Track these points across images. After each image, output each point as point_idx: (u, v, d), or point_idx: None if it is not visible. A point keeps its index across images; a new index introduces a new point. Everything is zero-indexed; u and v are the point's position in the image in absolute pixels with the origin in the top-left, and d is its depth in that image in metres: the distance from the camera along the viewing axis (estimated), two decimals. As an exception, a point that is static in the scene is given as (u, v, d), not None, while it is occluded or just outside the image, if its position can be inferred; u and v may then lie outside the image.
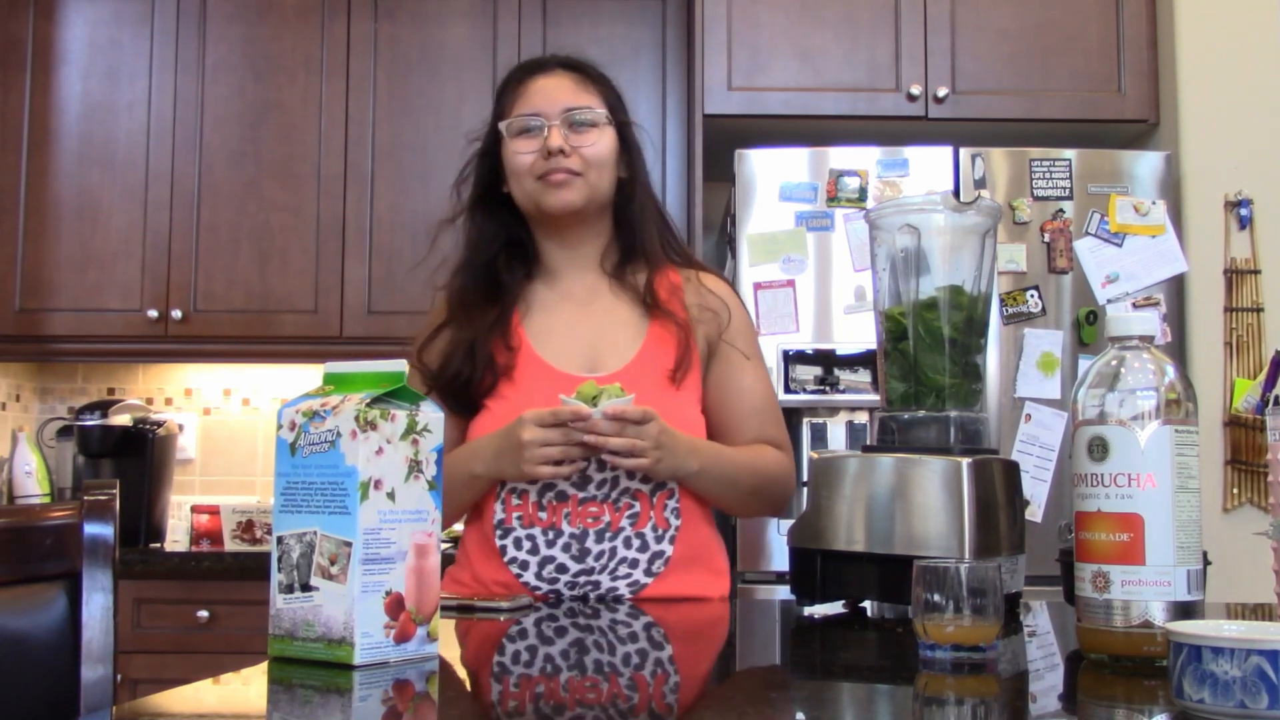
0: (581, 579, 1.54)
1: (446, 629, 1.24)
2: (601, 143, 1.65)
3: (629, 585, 1.55)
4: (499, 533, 1.56)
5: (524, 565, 1.54)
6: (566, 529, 1.54)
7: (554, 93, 1.66)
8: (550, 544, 1.54)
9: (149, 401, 3.51)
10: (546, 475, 1.49)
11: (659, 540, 1.56)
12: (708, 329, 1.66)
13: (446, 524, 1.65)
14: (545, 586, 1.54)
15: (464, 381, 1.60)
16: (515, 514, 1.55)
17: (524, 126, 1.64)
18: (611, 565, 1.54)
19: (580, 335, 1.65)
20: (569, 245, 1.69)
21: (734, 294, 1.75)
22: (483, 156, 1.71)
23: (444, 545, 3.29)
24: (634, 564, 1.55)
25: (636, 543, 1.55)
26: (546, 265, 1.71)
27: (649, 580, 1.55)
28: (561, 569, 1.54)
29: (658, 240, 1.70)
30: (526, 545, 1.55)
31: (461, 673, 1.08)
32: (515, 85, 1.69)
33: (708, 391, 1.66)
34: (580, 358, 1.63)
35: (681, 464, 1.52)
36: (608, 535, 1.54)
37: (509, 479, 1.54)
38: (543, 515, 1.55)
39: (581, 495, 1.55)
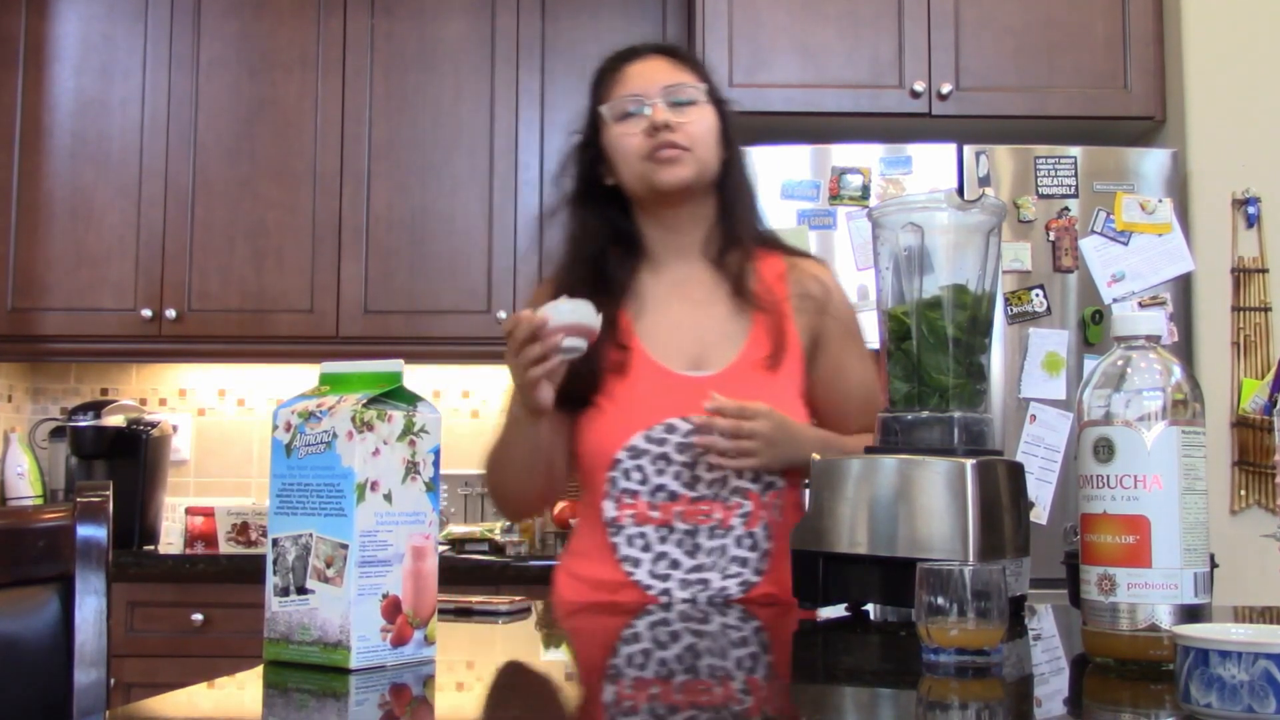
0: (693, 576, 1.56)
1: (444, 632, 1.23)
2: (704, 120, 1.64)
3: (739, 584, 1.57)
4: (610, 530, 1.58)
5: (636, 562, 1.57)
6: (679, 526, 1.57)
7: (650, 74, 1.66)
8: (662, 540, 1.57)
9: (143, 402, 3.49)
10: (538, 376, 1.44)
11: (770, 539, 1.58)
12: (810, 318, 1.66)
13: (546, 497, 1.67)
14: (657, 586, 1.56)
15: (575, 379, 1.55)
16: (628, 512, 1.58)
17: (625, 110, 1.63)
18: (723, 563, 1.56)
19: (687, 332, 1.64)
20: (675, 230, 1.68)
21: (833, 277, 1.74)
22: (583, 149, 1.69)
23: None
24: (744, 562, 1.57)
25: (748, 541, 1.58)
26: (651, 254, 1.69)
27: (758, 579, 1.57)
28: (674, 564, 1.56)
29: (753, 224, 1.71)
30: (639, 543, 1.57)
31: (459, 676, 1.07)
32: (609, 74, 1.68)
33: (816, 381, 1.66)
34: (687, 355, 1.63)
35: (795, 456, 1.54)
36: (719, 532, 1.57)
37: (530, 409, 1.51)
38: (654, 514, 1.57)
39: (692, 495, 1.57)
